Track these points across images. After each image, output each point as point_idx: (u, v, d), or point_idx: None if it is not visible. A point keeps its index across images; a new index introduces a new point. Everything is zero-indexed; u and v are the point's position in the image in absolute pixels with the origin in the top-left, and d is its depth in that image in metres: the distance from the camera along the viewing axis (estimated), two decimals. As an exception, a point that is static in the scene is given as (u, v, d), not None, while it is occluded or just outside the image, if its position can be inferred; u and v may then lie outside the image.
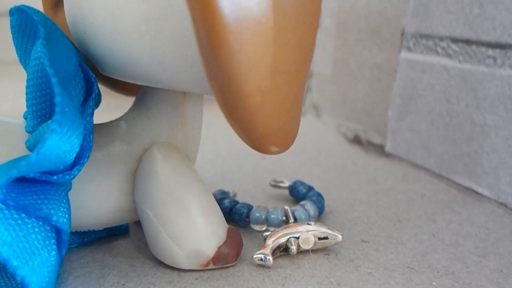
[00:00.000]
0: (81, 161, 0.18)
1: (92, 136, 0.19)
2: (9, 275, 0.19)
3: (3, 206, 0.16)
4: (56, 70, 0.17)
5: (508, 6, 0.30)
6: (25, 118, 0.20)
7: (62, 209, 0.18)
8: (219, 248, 0.21)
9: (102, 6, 0.18)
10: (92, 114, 0.20)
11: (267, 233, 0.24)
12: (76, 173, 0.18)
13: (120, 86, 0.26)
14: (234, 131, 0.17)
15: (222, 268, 0.22)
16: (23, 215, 0.16)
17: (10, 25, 0.20)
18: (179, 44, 0.17)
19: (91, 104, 0.19)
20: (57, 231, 0.18)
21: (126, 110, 0.24)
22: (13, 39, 0.20)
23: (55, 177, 0.17)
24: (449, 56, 0.34)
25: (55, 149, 0.16)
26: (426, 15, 0.36)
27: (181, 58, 0.18)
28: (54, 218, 0.17)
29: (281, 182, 0.31)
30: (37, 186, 0.17)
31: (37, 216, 0.17)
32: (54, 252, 0.17)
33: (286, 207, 0.26)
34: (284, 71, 0.17)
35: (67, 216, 0.18)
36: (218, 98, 0.16)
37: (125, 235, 0.25)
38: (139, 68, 0.19)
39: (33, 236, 0.16)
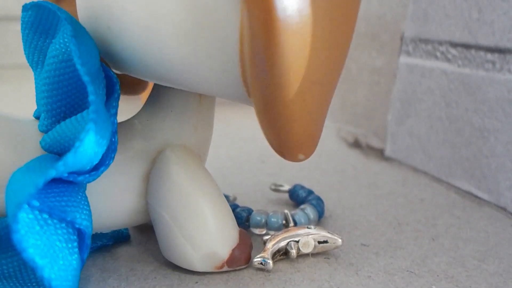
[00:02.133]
0: (107, 162, 0.18)
1: (117, 136, 0.19)
2: (25, 280, 0.19)
3: (29, 207, 0.16)
4: (86, 69, 0.17)
5: (507, 10, 0.30)
6: (35, 117, 0.20)
7: (85, 212, 0.17)
8: (233, 250, 0.22)
9: (137, 4, 0.18)
10: (115, 114, 0.19)
11: (267, 237, 0.24)
12: (101, 174, 0.18)
13: (125, 86, 0.25)
14: (268, 138, 0.18)
15: (223, 272, 0.22)
16: (46, 216, 0.16)
17: (22, 21, 0.20)
18: (219, 51, 0.17)
19: (114, 104, 0.19)
20: (79, 234, 0.17)
21: (126, 112, 0.23)
22: (23, 36, 0.20)
23: (81, 178, 0.17)
24: (448, 60, 0.34)
25: (90, 149, 0.16)
26: (425, 20, 0.36)
27: (220, 64, 0.17)
28: (79, 221, 0.17)
29: (281, 186, 0.31)
30: (59, 187, 0.17)
31: (61, 218, 0.16)
32: (76, 256, 0.17)
33: (286, 211, 0.26)
34: (320, 82, 0.17)
35: (90, 219, 0.18)
36: (259, 105, 0.17)
37: (127, 240, 0.25)
38: (173, 70, 0.18)
39: (55, 237, 0.16)
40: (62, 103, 0.18)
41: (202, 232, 0.21)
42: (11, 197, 0.16)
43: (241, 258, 0.22)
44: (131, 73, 0.20)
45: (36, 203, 0.16)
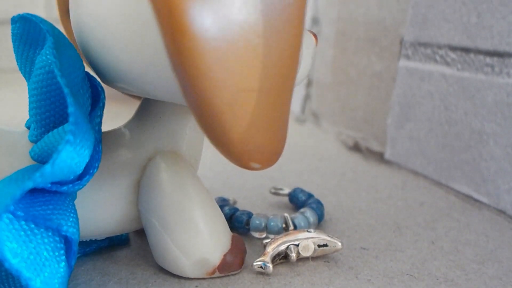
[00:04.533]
0: (91, 171, 0.18)
1: (101, 146, 0.19)
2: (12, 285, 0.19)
3: (14, 217, 0.16)
4: (66, 80, 0.17)
5: (505, 14, 0.30)
6: (27, 127, 0.20)
7: (71, 219, 0.18)
8: (225, 256, 0.22)
9: (93, 16, 0.18)
10: (100, 123, 0.20)
11: (267, 241, 0.24)
12: (85, 183, 0.18)
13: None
14: (215, 148, 0.17)
15: (223, 276, 0.22)
16: (32, 225, 0.16)
17: (12, 33, 0.20)
18: (157, 60, 0.17)
19: (98, 113, 0.19)
20: (66, 242, 0.17)
21: (122, 118, 0.24)
22: (14, 47, 0.20)
23: (64, 188, 0.17)
24: (447, 64, 0.35)
25: (69, 160, 0.16)
26: (424, 24, 0.36)
27: (161, 72, 0.17)
28: (64, 228, 0.17)
29: (281, 189, 0.32)
30: (45, 196, 0.17)
31: (46, 226, 0.17)
32: (63, 263, 0.17)
33: (286, 215, 0.26)
34: (254, 89, 0.16)
35: (76, 226, 0.18)
36: (195, 115, 0.16)
37: (126, 244, 0.25)
38: (127, 79, 0.19)
39: (42, 247, 0.16)
40: (51, 113, 0.19)
41: (192, 239, 0.21)
42: None
43: (233, 263, 0.22)
44: (109, 85, 0.20)
45: (20, 213, 0.16)
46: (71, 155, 0.16)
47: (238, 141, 0.17)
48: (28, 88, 0.19)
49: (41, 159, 0.19)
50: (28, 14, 0.19)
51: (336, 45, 0.48)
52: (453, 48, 0.34)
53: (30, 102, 0.19)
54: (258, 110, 0.17)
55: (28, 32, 0.19)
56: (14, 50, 0.20)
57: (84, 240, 0.23)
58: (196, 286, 0.21)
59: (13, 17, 0.20)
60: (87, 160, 0.17)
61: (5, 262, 0.15)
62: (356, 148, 0.45)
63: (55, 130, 0.18)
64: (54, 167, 0.16)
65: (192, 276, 0.22)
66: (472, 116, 0.33)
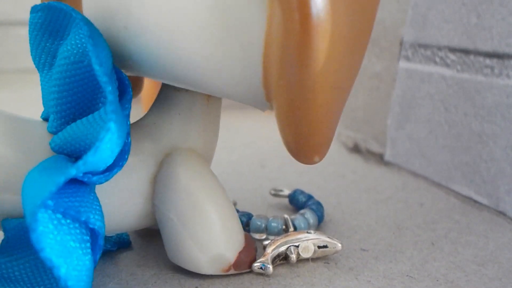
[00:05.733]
0: (120, 163, 0.18)
1: (130, 138, 0.19)
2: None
3: (44, 208, 0.16)
4: (103, 69, 0.17)
5: (505, 16, 0.30)
6: (43, 119, 0.20)
7: (98, 212, 0.17)
8: (240, 253, 0.22)
9: (158, 3, 0.18)
10: (128, 116, 0.19)
11: (266, 242, 0.24)
12: (114, 175, 0.18)
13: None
14: (286, 140, 0.18)
15: (222, 276, 0.22)
16: (60, 216, 0.16)
17: (31, 22, 0.20)
18: (243, 52, 0.17)
19: (127, 106, 0.19)
20: (92, 235, 0.17)
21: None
22: (30, 37, 0.20)
23: (95, 178, 0.17)
24: (447, 65, 0.35)
25: (108, 149, 0.16)
26: (424, 25, 0.36)
27: (242, 66, 0.18)
28: (92, 221, 0.17)
29: (281, 190, 0.32)
30: (71, 188, 0.17)
31: (74, 218, 0.16)
32: (89, 256, 0.17)
33: (286, 216, 0.26)
34: (343, 88, 0.17)
35: (102, 219, 0.18)
36: (282, 107, 0.17)
37: (128, 247, 0.25)
38: (192, 71, 0.18)
39: (68, 237, 0.16)
40: (72, 104, 0.18)
41: (209, 234, 0.21)
42: (29, 196, 0.16)
43: (246, 262, 0.22)
44: (144, 74, 0.20)
45: (50, 203, 0.16)
46: (111, 144, 0.16)
47: (319, 136, 0.17)
48: (45, 79, 0.19)
49: (62, 150, 0.19)
50: (55, 2, 0.19)
51: (336, 46, 0.48)
52: (453, 50, 0.34)
53: (49, 93, 0.19)
54: (339, 107, 0.18)
55: (50, 22, 0.19)
56: (30, 40, 0.20)
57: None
58: (196, 287, 0.21)
59: (35, 5, 0.19)
60: (118, 151, 0.17)
61: (40, 252, 0.15)
62: (356, 149, 0.45)
63: (79, 121, 0.18)
64: (96, 155, 0.15)
65: (207, 273, 0.21)
66: (472, 117, 0.33)
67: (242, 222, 0.26)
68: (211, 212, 0.21)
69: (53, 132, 0.19)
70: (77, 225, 0.17)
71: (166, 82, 0.21)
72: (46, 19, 0.19)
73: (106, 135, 0.16)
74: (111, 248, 0.24)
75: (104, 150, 0.16)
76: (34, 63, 0.20)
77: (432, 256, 0.25)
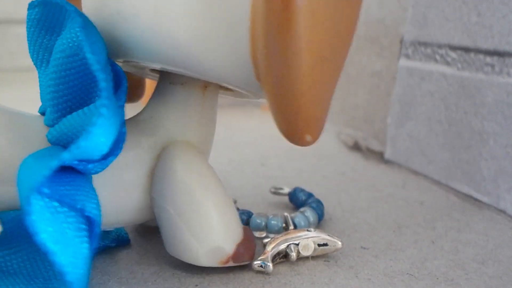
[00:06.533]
0: (115, 152, 0.18)
1: (125, 128, 0.19)
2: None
3: (40, 195, 0.16)
4: (96, 58, 0.17)
5: (506, 14, 0.30)
6: (41, 113, 0.20)
7: (94, 201, 0.17)
8: (238, 246, 0.22)
9: None
10: (123, 106, 0.20)
11: (266, 240, 0.24)
12: (109, 163, 0.18)
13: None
14: (276, 118, 0.18)
15: (222, 274, 0.22)
16: (56, 204, 0.16)
17: (28, 18, 0.20)
18: (230, 29, 0.17)
19: (121, 97, 0.19)
20: (89, 223, 0.17)
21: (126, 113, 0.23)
22: (28, 34, 0.20)
23: (90, 165, 0.17)
24: (447, 63, 0.35)
25: (101, 135, 0.16)
26: (424, 23, 0.36)
27: (230, 43, 0.18)
28: (88, 209, 0.17)
29: (281, 189, 0.32)
30: (67, 176, 0.17)
31: (70, 206, 0.16)
32: (86, 244, 0.17)
33: (286, 214, 0.26)
34: (329, 59, 0.17)
35: (98, 208, 0.18)
36: (267, 81, 0.17)
37: (127, 244, 0.25)
38: (181, 52, 0.18)
39: (65, 225, 0.16)
40: (69, 97, 0.18)
41: (208, 226, 0.21)
42: (23, 181, 0.16)
43: (245, 254, 0.22)
44: (138, 58, 0.20)
45: (46, 190, 0.16)
46: (103, 129, 0.16)
47: (307, 110, 0.17)
48: (43, 75, 0.19)
49: (58, 141, 0.19)
50: None
51: (336, 44, 0.48)
52: (453, 48, 0.34)
53: (46, 87, 0.19)
54: (325, 81, 0.18)
55: (46, 18, 0.19)
56: (28, 37, 0.20)
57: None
58: (196, 286, 0.21)
59: (32, 1, 0.19)
60: (113, 139, 0.17)
61: (35, 236, 0.15)
62: (356, 147, 0.45)
63: (75, 113, 0.18)
64: (88, 140, 0.16)
65: (205, 265, 0.21)
66: (472, 115, 0.33)
67: (242, 220, 0.26)
68: (208, 205, 0.21)
69: (50, 125, 0.19)
70: (73, 213, 0.17)
71: (159, 66, 0.21)
72: (43, 15, 0.19)
73: (98, 119, 0.16)
74: (110, 244, 0.24)
75: (97, 135, 0.16)
76: (32, 60, 0.20)
77: (432, 254, 0.25)
